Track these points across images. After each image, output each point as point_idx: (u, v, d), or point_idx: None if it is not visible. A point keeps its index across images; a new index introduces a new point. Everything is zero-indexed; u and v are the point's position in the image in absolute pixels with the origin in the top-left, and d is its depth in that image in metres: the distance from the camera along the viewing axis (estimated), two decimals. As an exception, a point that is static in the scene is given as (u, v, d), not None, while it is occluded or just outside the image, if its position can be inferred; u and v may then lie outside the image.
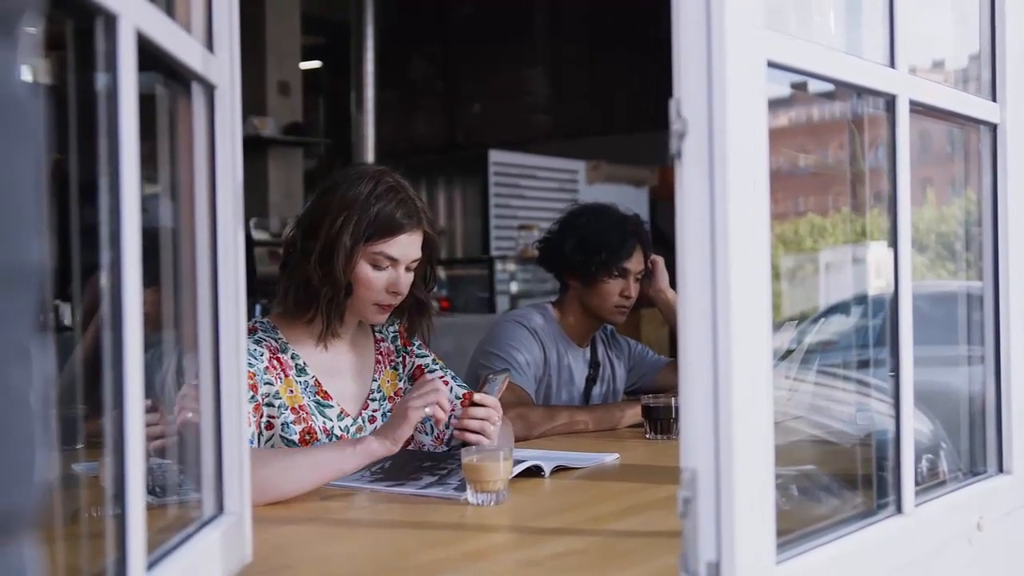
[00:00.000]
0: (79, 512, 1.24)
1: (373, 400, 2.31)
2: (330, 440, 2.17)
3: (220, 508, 1.36)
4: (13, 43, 0.54)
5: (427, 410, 1.96)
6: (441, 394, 1.99)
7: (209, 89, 1.34)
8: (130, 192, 1.01)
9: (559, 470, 2.15)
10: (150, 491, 1.13)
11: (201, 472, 1.36)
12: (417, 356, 2.41)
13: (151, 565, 1.08)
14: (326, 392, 2.22)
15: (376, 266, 2.18)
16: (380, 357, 2.36)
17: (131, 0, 1.02)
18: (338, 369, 2.27)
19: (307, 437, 2.14)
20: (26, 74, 0.56)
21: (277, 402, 2.12)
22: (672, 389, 2.94)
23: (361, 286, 2.18)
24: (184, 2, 1.31)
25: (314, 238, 2.16)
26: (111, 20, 0.99)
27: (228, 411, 1.37)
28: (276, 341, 2.19)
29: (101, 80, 1.01)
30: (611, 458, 2.33)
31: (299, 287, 2.18)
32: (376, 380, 2.33)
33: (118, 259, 1.00)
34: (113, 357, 1.00)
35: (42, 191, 0.57)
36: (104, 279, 1.01)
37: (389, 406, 2.32)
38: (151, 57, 1.11)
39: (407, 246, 2.20)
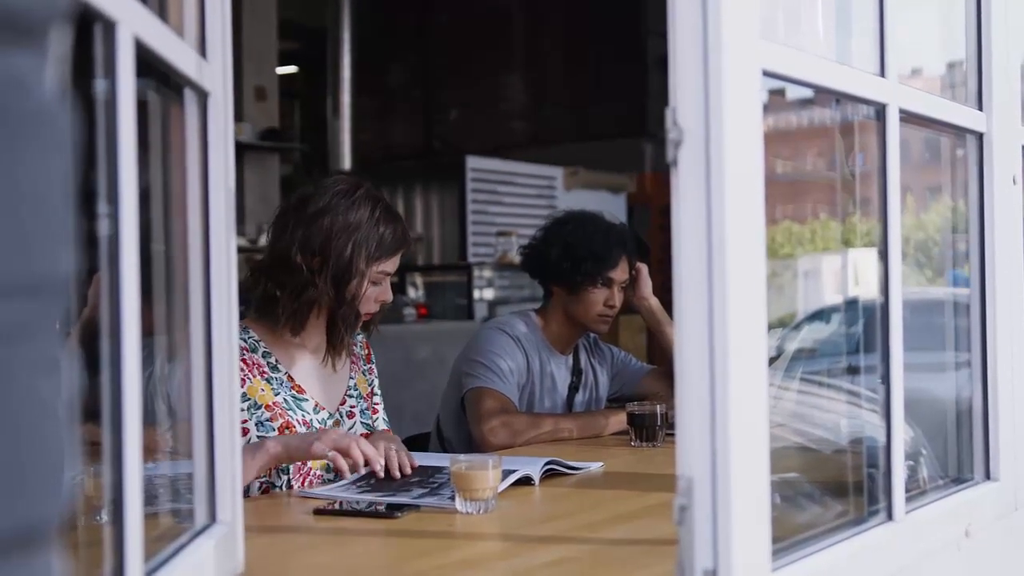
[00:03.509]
0: (75, 520, 1.23)
1: (351, 396, 2.39)
2: (310, 431, 2.22)
3: (213, 518, 1.35)
4: (42, 53, 0.54)
5: (330, 454, 2.00)
6: (353, 449, 2.02)
7: (203, 96, 1.33)
8: (128, 199, 1.00)
9: (550, 474, 2.15)
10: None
11: (193, 481, 1.34)
12: (375, 375, 2.50)
13: (147, 575, 1.07)
14: (300, 387, 2.27)
15: (374, 283, 2.28)
16: (354, 358, 2.44)
17: (130, 7, 1.01)
18: (314, 368, 2.32)
19: (286, 432, 2.20)
20: (54, 83, 0.55)
21: (245, 403, 2.15)
22: (655, 396, 2.95)
23: (360, 302, 2.26)
24: (177, 8, 1.30)
25: (317, 258, 2.21)
26: (110, 27, 0.98)
27: (220, 420, 1.36)
28: (245, 341, 2.22)
29: (99, 86, 1.00)
30: (596, 466, 2.33)
31: (307, 307, 2.23)
32: (353, 378, 2.41)
33: (116, 265, 0.99)
34: (111, 366, 0.99)
35: (71, 201, 0.56)
36: (99, 285, 1.00)
37: (365, 404, 2.41)
38: (145, 63, 1.10)
39: (399, 260, 2.32)
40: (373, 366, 2.50)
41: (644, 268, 3.09)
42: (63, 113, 0.56)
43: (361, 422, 2.38)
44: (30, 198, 0.52)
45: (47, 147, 0.54)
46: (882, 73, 1.52)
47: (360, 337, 2.48)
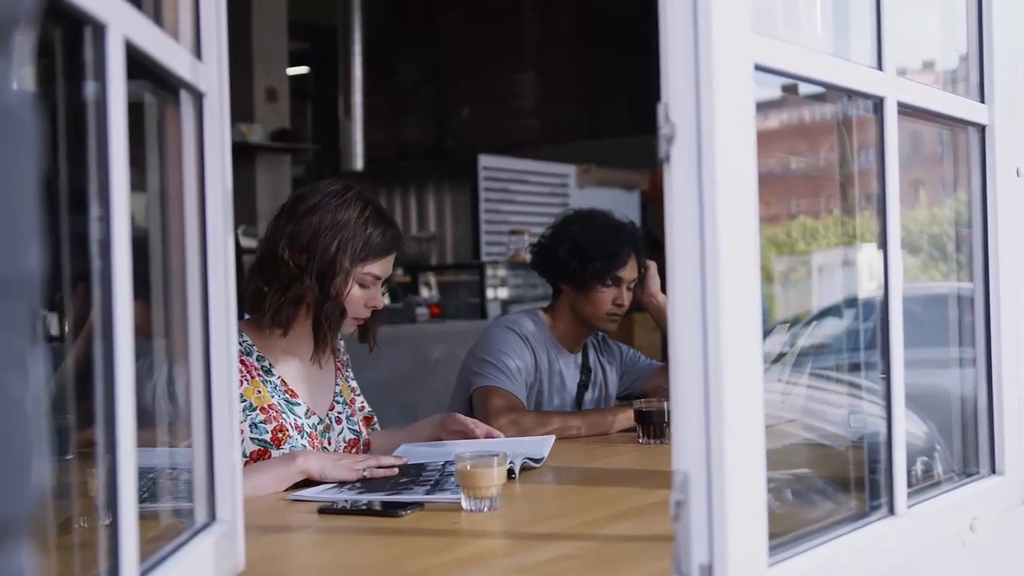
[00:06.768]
0: (70, 521, 1.24)
1: (338, 402, 2.42)
2: (302, 435, 2.27)
3: (212, 516, 1.36)
4: (7, 52, 0.54)
5: (366, 474, 2.11)
6: (381, 460, 2.18)
7: (198, 97, 1.34)
8: (119, 201, 1.01)
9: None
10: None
11: (193, 480, 1.35)
12: (352, 379, 2.54)
13: (144, 573, 1.08)
14: (292, 391, 2.31)
15: (362, 285, 2.29)
16: (339, 365, 2.48)
17: (120, 9, 1.02)
18: (303, 374, 2.36)
19: (279, 435, 2.23)
20: (20, 83, 0.56)
21: (241, 404, 2.18)
22: (664, 393, 2.94)
23: (346, 304, 2.28)
24: (172, 10, 1.31)
25: (303, 255, 2.24)
26: (100, 29, 0.99)
27: (220, 419, 1.37)
28: (241, 345, 2.26)
29: (90, 88, 1.01)
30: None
31: (292, 303, 2.25)
32: (338, 385, 2.45)
33: (108, 268, 1.00)
34: (104, 367, 1.00)
35: (38, 199, 0.57)
36: (93, 288, 1.01)
37: (349, 411, 2.44)
38: (139, 65, 1.11)
39: (390, 265, 2.34)
40: (350, 371, 2.53)
41: (653, 265, 3.08)
42: (29, 113, 0.56)
43: (348, 428, 2.42)
44: (-2, 196, 0.53)
45: (14, 147, 0.54)
46: (879, 66, 1.52)
47: (342, 345, 2.51)
